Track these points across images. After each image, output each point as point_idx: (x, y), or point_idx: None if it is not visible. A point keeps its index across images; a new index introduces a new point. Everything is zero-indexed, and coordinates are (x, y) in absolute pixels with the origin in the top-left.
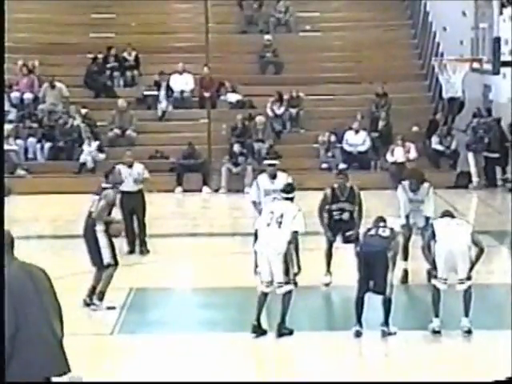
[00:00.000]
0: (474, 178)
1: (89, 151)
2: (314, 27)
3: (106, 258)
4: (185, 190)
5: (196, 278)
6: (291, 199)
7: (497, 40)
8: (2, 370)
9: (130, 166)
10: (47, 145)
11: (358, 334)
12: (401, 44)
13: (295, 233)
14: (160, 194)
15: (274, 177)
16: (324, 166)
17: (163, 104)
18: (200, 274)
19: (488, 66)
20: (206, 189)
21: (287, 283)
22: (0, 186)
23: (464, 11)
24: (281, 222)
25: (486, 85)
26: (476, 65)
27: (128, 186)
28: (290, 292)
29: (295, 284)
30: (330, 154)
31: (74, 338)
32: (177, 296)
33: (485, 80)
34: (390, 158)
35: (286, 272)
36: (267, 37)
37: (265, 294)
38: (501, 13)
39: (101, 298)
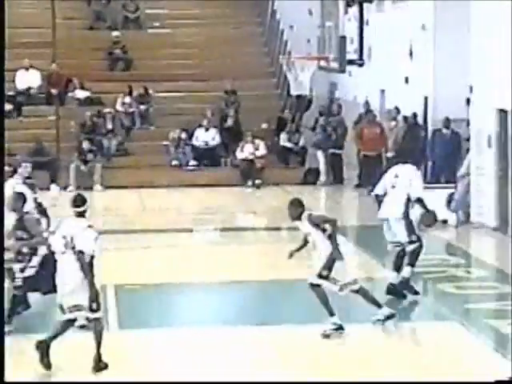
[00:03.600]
0: (322, 175)
1: None
2: (162, 24)
3: None
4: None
5: None
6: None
7: (342, 39)
8: (2, 369)
9: None
10: None
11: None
12: (249, 41)
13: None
14: None
15: None
16: (174, 163)
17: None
18: None
19: (334, 65)
20: (54, 187)
21: None
22: (0, 186)
23: (310, 10)
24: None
25: (332, 83)
26: (323, 63)
27: None
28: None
29: None
30: (180, 150)
31: None
32: None
33: (331, 78)
34: (239, 154)
35: None
36: (116, 33)
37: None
38: (346, 12)
39: None
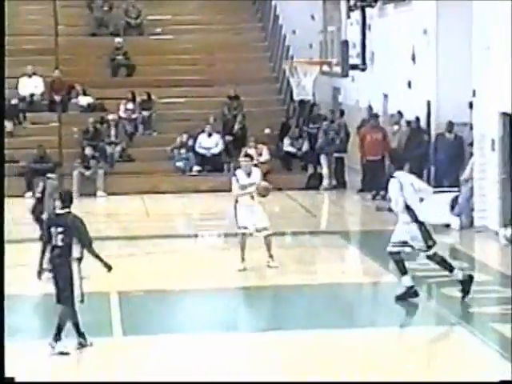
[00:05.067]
0: (325, 180)
1: None
2: (165, 30)
3: None
4: (34, 195)
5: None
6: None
7: (345, 43)
8: (2, 367)
9: None
10: None
11: None
12: (252, 47)
13: None
14: (10, 198)
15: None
16: (178, 168)
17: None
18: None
19: (337, 69)
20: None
21: None
22: (0, 186)
23: (313, 15)
24: None
25: (335, 87)
26: (326, 68)
27: None
28: None
29: None
30: (183, 156)
31: None
32: (23, 302)
33: (334, 83)
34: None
35: None
36: (118, 39)
37: None
38: (348, 16)
39: None
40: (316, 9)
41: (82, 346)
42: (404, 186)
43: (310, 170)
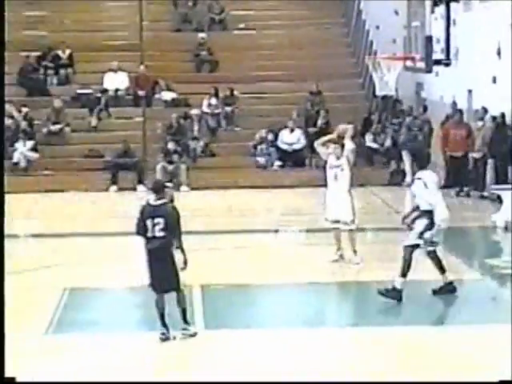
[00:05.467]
0: (408, 176)
1: (21, 150)
2: (248, 25)
3: None
4: (119, 189)
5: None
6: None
7: (429, 38)
8: (2, 366)
9: None
10: None
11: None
12: (334, 42)
13: None
14: (94, 193)
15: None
16: (259, 163)
17: (102, 103)
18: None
19: (421, 65)
20: (140, 187)
21: None
22: (0, 185)
23: (396, 10)
24: None
25: (418, 83)
26: (409, 63)
27: None
28: None
29: None
30: (265, 151)
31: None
32: (112, 296)
33: (418, 78)
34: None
35: None
36: (202, 35)
37: None
38: (432, 11)
39: None
40: (400, 4)
41: (189, 334)
42: (427, 184)
43: (393, 166)
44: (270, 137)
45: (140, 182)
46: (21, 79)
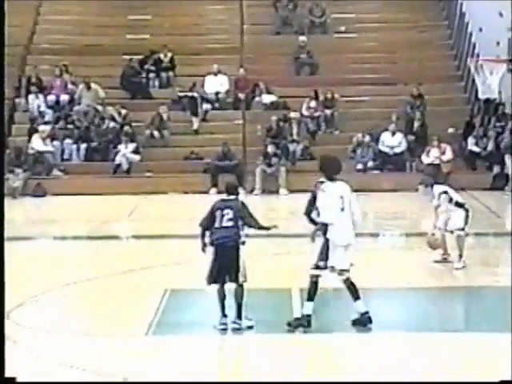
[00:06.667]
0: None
1: (124, 153)
2: (349, 28)
3: None
4: (219, 191)
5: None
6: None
7: None
8: (2, 366)
9: None
10: (83, 146)
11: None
12: (436, 45)
13: None
14: (194, 195)
15: None
16: (358, 167)
17: (204, 105)
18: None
19: None
20: (240, 190)
21: None
22: (0, 186)
23: (501, 12)
24: None
25: None
26: None
27: None
28: None
29: None
30: (363, 155)
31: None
32: (212, 297)
33: None
34: (425, 159)
35: None
36: (302, 38)
37: None
38: None
39: None
40: (504, 5)
41: (238, 328)
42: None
43: (496, 170)
44: (367, 140)
45: (240, 184)
46: (124, 82)
